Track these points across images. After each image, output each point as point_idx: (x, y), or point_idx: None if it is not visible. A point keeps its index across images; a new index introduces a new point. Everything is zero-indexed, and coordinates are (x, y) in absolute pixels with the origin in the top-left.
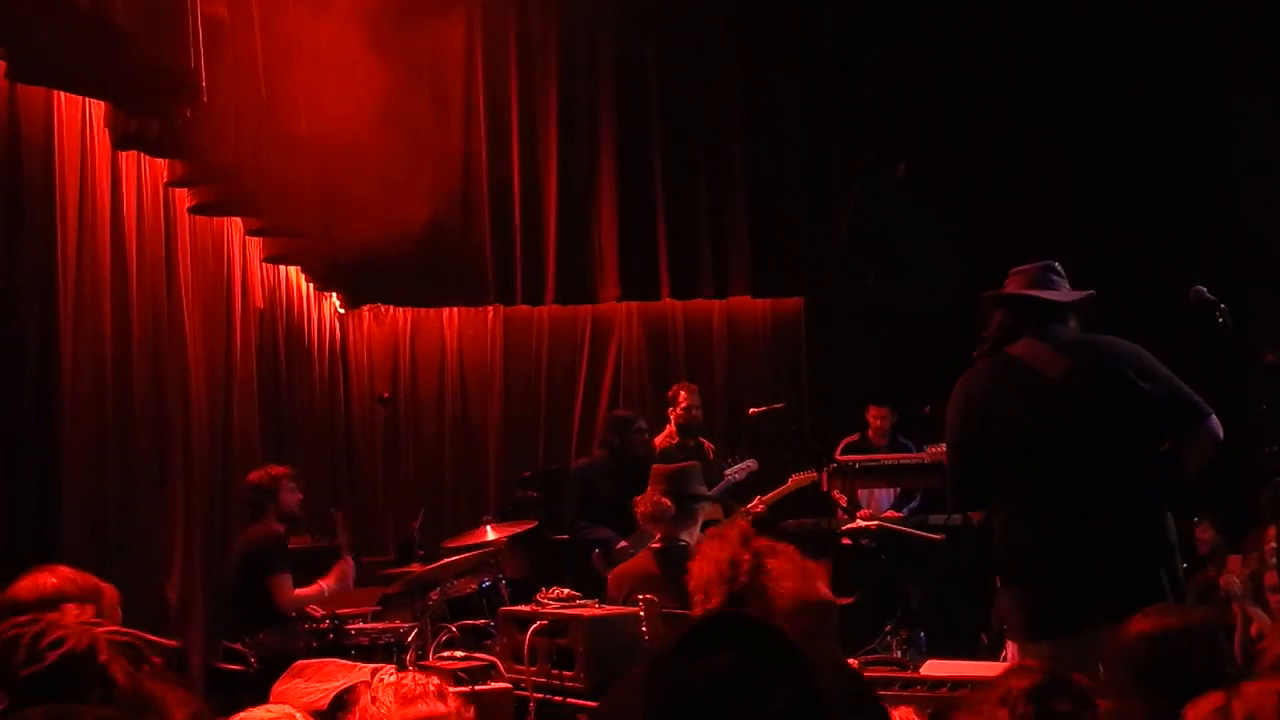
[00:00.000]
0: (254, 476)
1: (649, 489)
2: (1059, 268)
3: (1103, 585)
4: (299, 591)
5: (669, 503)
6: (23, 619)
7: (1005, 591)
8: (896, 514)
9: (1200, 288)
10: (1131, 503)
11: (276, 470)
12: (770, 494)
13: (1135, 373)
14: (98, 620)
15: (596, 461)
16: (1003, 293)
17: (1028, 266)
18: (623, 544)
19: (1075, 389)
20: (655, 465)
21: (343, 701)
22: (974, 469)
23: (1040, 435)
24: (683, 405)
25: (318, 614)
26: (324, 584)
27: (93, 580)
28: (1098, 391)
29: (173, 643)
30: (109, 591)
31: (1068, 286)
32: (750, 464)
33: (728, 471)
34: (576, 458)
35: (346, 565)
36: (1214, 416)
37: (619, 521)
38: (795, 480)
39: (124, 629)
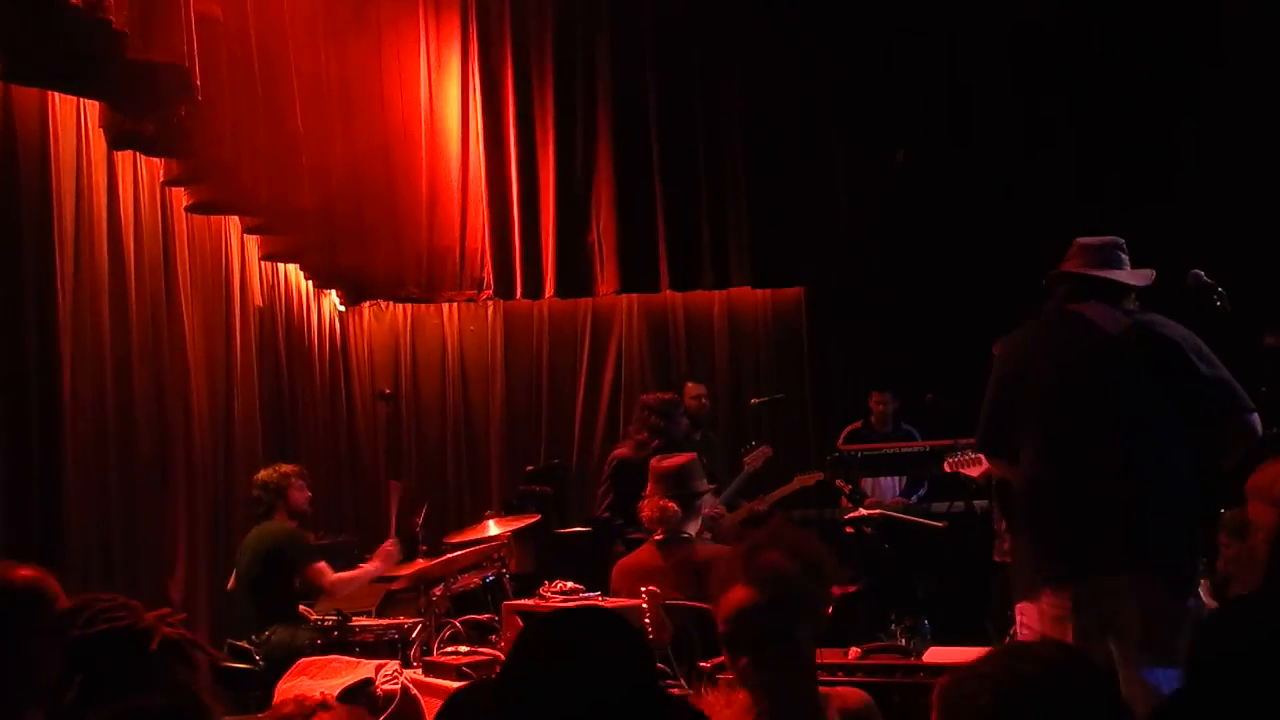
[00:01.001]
0: (263, 474)
1: (650, 489)
2: (1124, 244)
3: (1123, 534)
4: (341, 575)
5: (675, 507)
6: (107, 596)
7: (1018, 540)
8: (904, 501)
9: (1198, 271)
10: (1162, 462)
11: (285, 468)
12: (773, 494)
13: (1193, 351)
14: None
15: (643, 449)
16: (1070, 271)
17: (1093, 241)
18: None
19: (1130, 346)
20: (652, 462)
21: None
22: (1005, 411)
23: (1085, 382)
24: (691, 394)
25: (312, 617)
26: (368, 566)
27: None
28: (1152, 354)
29: (217, 654)
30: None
31: (1129, 264)
32: (765, 450)
33: (746, 459)
34: (580, 450)
35: (390, 545)
36: (1256, 415)
37: None
38: (799, 480)
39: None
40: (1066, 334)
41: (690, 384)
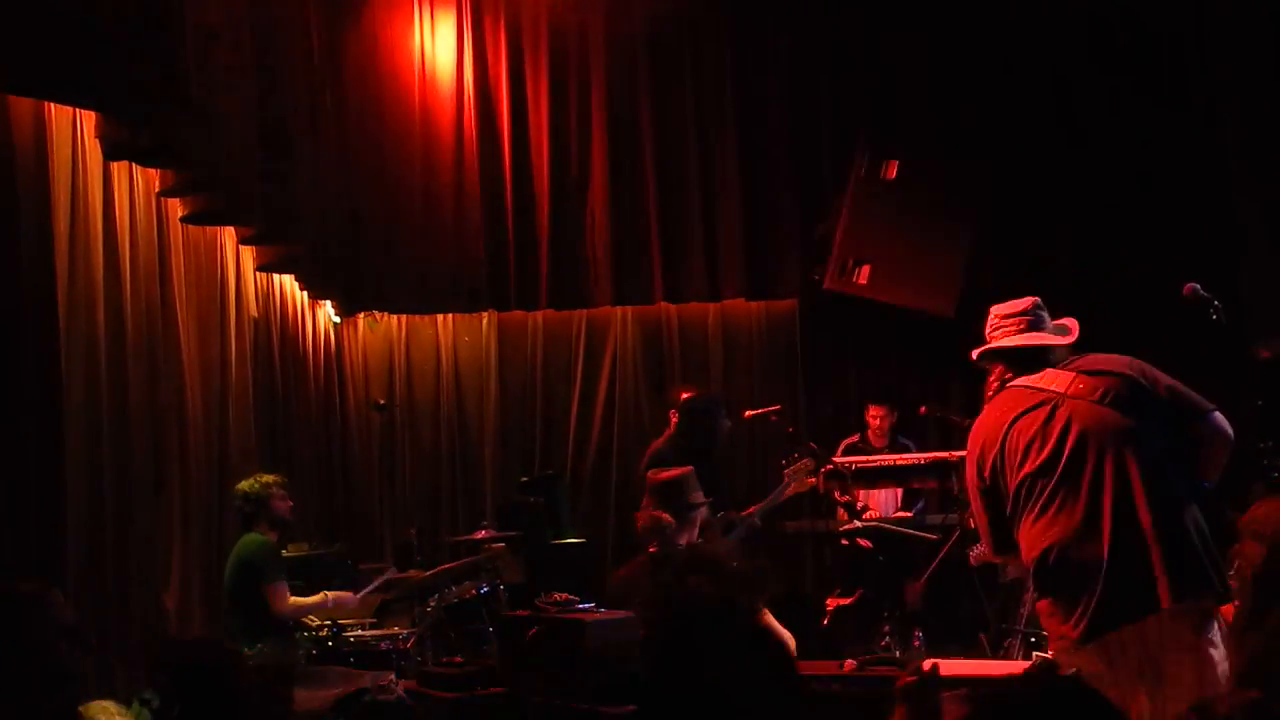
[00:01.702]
0: (244, 485)
1: (645, 501)
2: (1041, 302)
3: (1145, 575)
4: (297, 600)
5: (670, 519)
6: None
7: (1043, 603)
8: (906, 514)
9: (1195, 284)
10: (1163, 492)
11: (266, 478)
12: (762, 503)
13: (1139, 374)
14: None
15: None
16: (996, 348)
17: (1013, 309)
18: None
19: (1085, 395)
20: (649, 474)
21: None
22: (997, 513)
23: (1060, 447)
24: None
25: (313, 624)
26: (328, 599)
27: None
28: (1108, 395)
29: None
30: None
31: (1049, 319)
32: (807, 463)
33: (786, 473)
34: (574, 461)
35: (350, 599)
36: (1217, 413)
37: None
38: (794, 488)
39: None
40: (1023, 410)
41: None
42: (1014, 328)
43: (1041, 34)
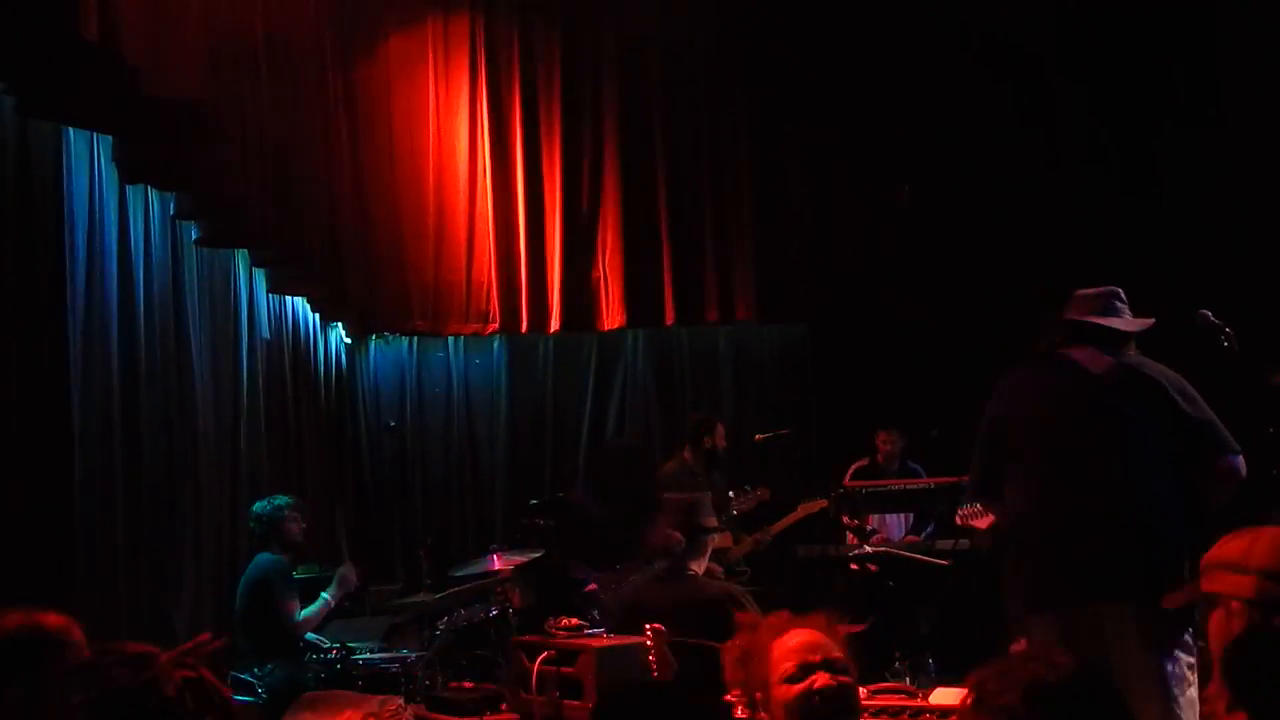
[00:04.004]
0: (258, 506)
1: (659, 520)
2: (1123, 295)
3: (1112, 562)
4: (307, 615)
5: (679, 537)
6: (115, 649)
7: (1012, 572)
8: (915, 539)
9: (1206, 311)
10: (1148, 494)
11: (280, 500)
12: (778, 523)
13: (1178, 393)
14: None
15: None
16: (1067, 318)
17: (1091, 291)
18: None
19: (1114, 386)
20: (667, 495)
21: None
22: (994, 455)
23: (1071, 419)
24: (721, 435)
25: (324, 645)
26: (329, 598)
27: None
28: (1137, 393)
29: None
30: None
31: (1129, 314)
32: (761, 494)
33: (734, 504)
34: (583, 485)
35: (346, 570)
36: (1241, 458)
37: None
38: (804, 508)
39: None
40: (1052, 376)
41: (719, 423)
42: (1094, 307)
43: (1053, 57)
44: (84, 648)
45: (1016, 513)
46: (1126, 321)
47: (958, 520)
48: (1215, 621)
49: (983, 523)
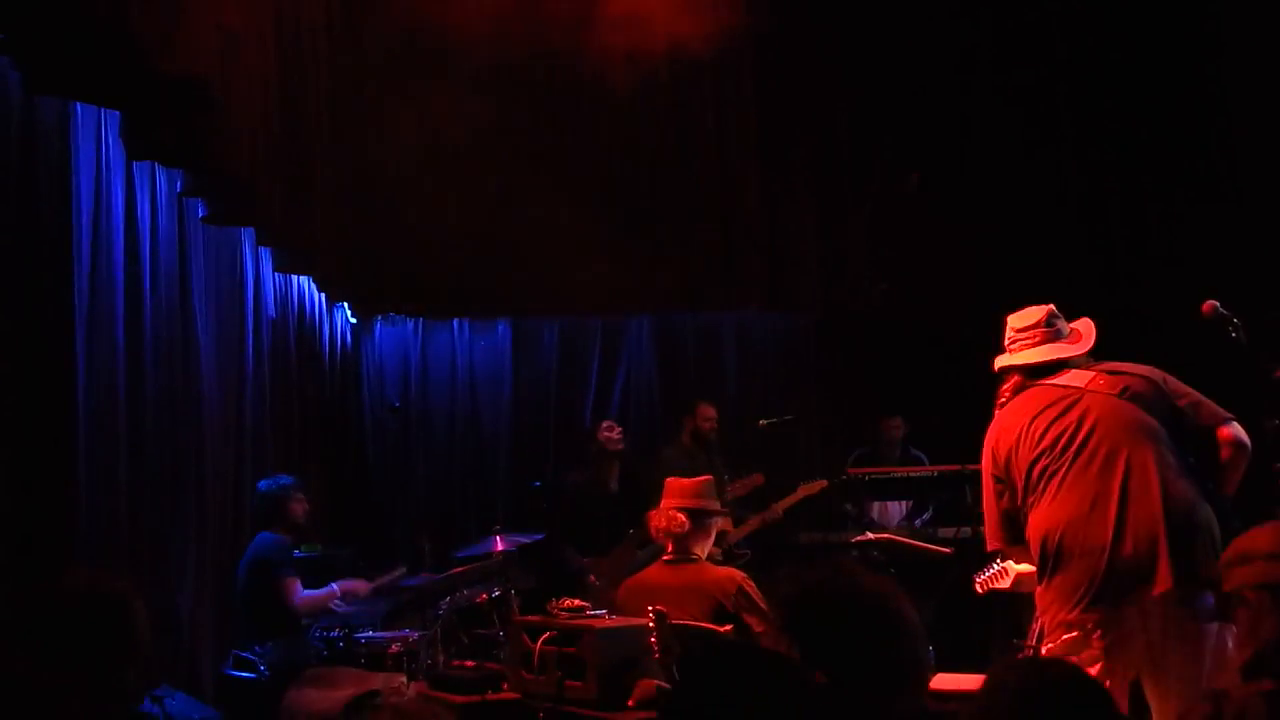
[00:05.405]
0: (262, 485)
1: (663, 501)
2: (1056, 310)
3: (1148, 555)
4: (309, 596)
5: (684, 518)
6: None
7: (1043, 590)
8: (910, 525)
9: (1215, 302)
10: (1176, 487)
11: (284, 479)
12: (778, 504)
13: (1160, 380)
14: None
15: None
16: (1017, 365)
17: (1028, 326)
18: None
19: (1105, 390)
20: (669, 478)
21: (355, 709)
22: (1008, 504)
23: (1081, 437)
24: (704, 416)
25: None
26: (336, 591)
27: None
28: (1127, 391)
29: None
30: None
31: (1065, 325)
32: (756, 478)
33: (730, 486)
34: (585, 468)
35: (361, 587)
36: (1235, 423)
37: None
38: (803, 489)
39: None
40: (1042, 406)
41: (703, 405)
42: (1032, 340)
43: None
44: (146, 621)
45: (1044, 533)
46: (1073, 346)
47: (978, 589)
48: (1241, 619)
49: (1006, 583)
